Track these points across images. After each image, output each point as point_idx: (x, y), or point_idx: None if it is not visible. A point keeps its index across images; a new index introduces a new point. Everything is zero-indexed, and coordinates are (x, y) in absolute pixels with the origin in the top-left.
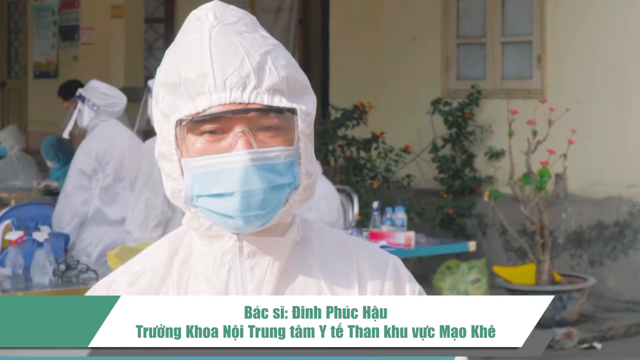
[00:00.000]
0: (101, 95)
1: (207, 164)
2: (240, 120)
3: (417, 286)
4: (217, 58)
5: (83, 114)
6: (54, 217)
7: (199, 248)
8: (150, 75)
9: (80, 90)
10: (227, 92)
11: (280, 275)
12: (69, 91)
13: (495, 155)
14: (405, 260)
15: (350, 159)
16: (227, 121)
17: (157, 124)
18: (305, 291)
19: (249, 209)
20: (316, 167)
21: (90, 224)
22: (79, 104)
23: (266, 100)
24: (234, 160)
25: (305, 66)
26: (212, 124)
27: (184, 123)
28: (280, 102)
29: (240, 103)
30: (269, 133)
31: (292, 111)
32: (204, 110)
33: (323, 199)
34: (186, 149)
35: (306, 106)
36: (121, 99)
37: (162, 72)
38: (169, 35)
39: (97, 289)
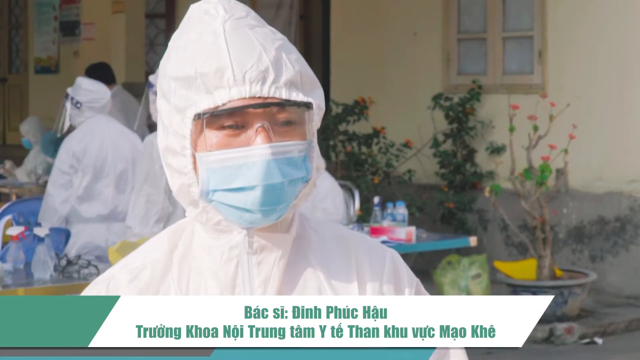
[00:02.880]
0: (84, 92)
1: (227, 157)
2: (259, 114)
3: (415, 280)
4: (234, 52)
5: (69, 112)
6: (39, 217)
7: (205, 241)
8: (151, 70)
9: (68, 90)
10: (246, 86)
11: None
12: (94, 75)
13: (496, 150)
14: (406, 256)
15: (351, 154)
16: (246, 115)
17: (167, 118)
18: (305, 286)
19: (268, 202)
20: (322, 162)
21: (66, 223)
22: (67, 103)
23: (284, 94)
24: (254, 154)
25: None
26: (231, 118)
27: (204, 117)
28: (297, 96)
29: (259, 97)
30: (285, 127)
31: (308, 105)
32: (223, 104)
33: (329, 198)
34: (202, 143)
35: (319, 100)
36: (103, 94)
37: (171, 65)
38: (169, 31)
39: (97, 285)
